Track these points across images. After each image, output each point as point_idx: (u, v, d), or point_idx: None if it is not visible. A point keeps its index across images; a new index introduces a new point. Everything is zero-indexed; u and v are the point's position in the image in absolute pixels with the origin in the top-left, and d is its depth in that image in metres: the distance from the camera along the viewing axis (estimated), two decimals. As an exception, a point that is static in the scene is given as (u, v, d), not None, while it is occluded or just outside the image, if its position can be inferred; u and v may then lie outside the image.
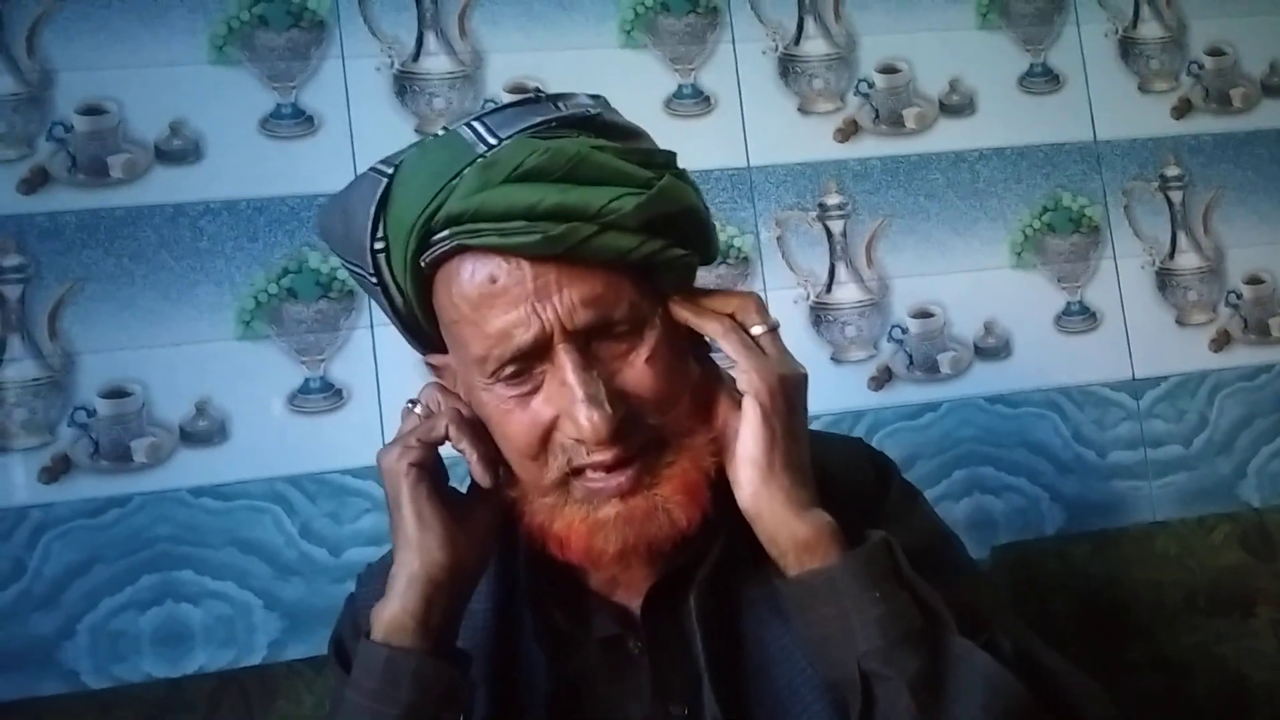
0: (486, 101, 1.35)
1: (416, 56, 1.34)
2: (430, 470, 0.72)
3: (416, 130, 1.32)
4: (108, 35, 1.26)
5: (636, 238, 0.67)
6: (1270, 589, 1.28)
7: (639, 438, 0.68)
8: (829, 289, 1.40)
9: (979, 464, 1.38)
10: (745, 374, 0.70)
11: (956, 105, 1.46)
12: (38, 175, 1.23)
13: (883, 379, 1.39)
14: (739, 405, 0.71)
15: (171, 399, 1.23)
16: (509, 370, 0.67)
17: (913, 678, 0.65)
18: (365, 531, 1.24)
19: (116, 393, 1.22)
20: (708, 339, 0.73)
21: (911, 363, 1.40)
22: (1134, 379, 1.45)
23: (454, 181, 0.66)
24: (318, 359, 1.27)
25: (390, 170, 0.69)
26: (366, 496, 1.25)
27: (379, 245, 0.69)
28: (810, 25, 1.44)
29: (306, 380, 1.26)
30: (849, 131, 1.43)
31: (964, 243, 1.43)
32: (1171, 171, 1.50)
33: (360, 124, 1.31)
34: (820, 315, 1.39)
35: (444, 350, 0.74)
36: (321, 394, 1.26)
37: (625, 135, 0.72)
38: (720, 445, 0.71)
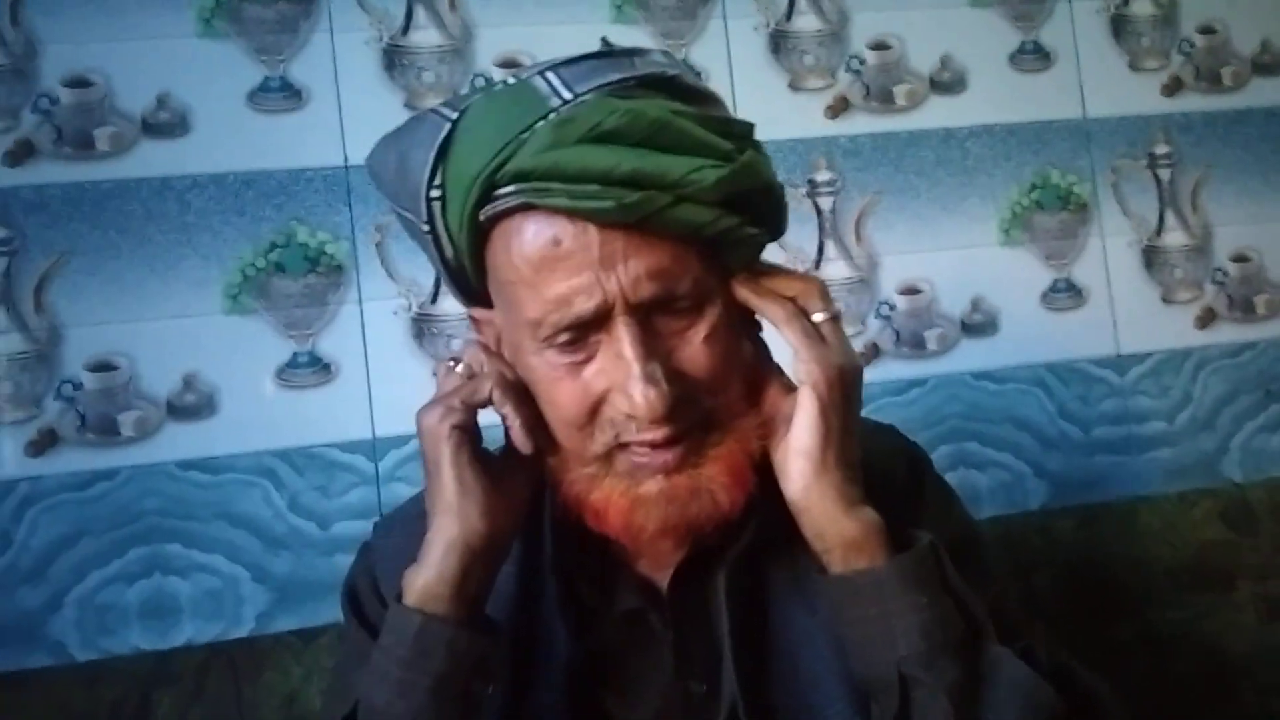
0: (476, 76, 1.34)
1: (406, 30, 1.33)
2: (470, 434, 0.70)
3: (406, 105, 1.31)
4: (93, 7, 1.25)
5: (712, 212, 0.64)
6: (1251, 564, 1.30)
7: (690, 417, 0.66)
8: (818, 265, 1.40)
9: (965, 439, 1.39)
10: (805, 363, 0.68)
11: (947, 82, 1.46)
12: (23, 148, 1.22)
13: (870, 355, 1.39)
14: (788, 389, 0.70)
15: (159, 373, 1.22)
16: (564, 337, 0.65)
17: (951, 685, 0.65)
18: (353, 505, 1.24)
19: (103, 366, 1.21)
20: (765, 320, 0.72)
21: (899, 339, 1.40)
22: (1119, 355, 1.45)
23: (524, 135, 0.63)
24: (306, 333, 1.26)
25: (454, 115, 0.66)
26: (355, 471, 1.25)
27: (435, 193, 0.67)
28: (802, 1, 1.43)
29: (295, 355, 1.26)
30: (839, 108, 1.43)
31: (953, 220, 1.43)
32: (1161, 149, 1.50)
33: (349, 98, 1.30)
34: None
35: (487, 304, 0.72)
36: (310, 369, 1.26)
37: (703, 100, 0.69)
38: (767, 429, 0.70)
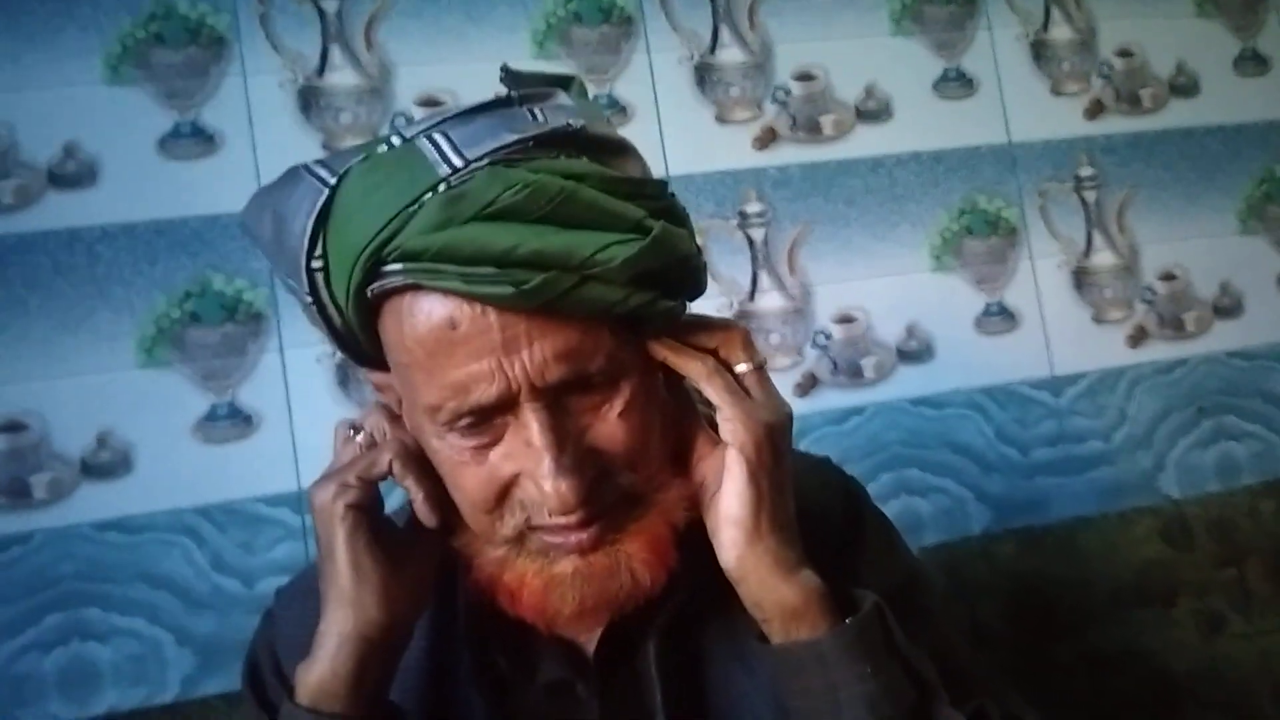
0: (397, 115, 1.40)
1: (321, 71, 1.39)
2: (369, 511, 0.69)
3: (324, 146, 1.37)
4: (-5, 56, 1.30)
5: (622, 290, 0.63)
6: (1190, 580, 1.39)
7: (607, 497, 0.66)
8: (752, 297, 1.48)
9: (905, 466, 1.47)
10: (729, 423, 0.67)
11: (873, 111, 1.56)
12: (-77, 202, 1.26)
13: (808, 385, 1.47)
14: (718, 443, 0.69)
15: (71, 431, 1.26)
16: (465, 422, 0.64)
17: None
18: (279, 561, 1.28)
19: (13, 426, 1.24)
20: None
21: (836, 368, 1.49)
22: (1054, 377, 1.55)
23: (411, 209, 0.60)
24: (225, 384, 1.31)
25: (332, 180, 0.63)
26: (280, 525, 1.29)
27: (317, 264, 0.64)
28: (725, 34, 1.53)
29: (214, 407, 1.30)
30: (767, 139, 1.52)
31: (884, 247, 1.52)
32: (1085, 171, 1.61)
33: (264, 142, 1.36)
34: (744, 324, 1.46)
35: (386, 367, 0.69)
36: (230, 421, 1.30)
37: (612, 152, 0.67)
38: (696, 497, 0.69)
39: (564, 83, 0.71)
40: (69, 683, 1.21)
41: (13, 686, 1.20)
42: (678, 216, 0.67)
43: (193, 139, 1.34)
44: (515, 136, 0.63)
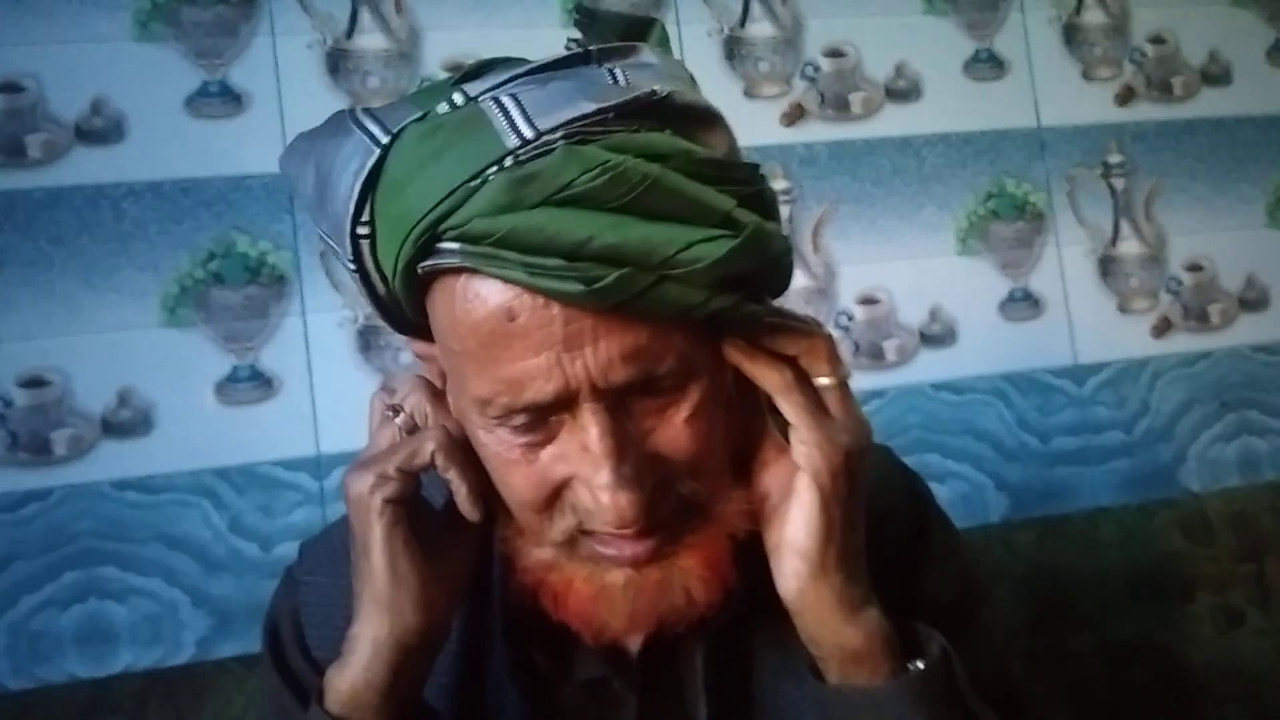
0: (423, 80, 1.38)
1: (350, 34, 1.38)
2: (408, 504, 0.64)
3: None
4: (25, 9, 1.28)
5: (704, 293, 0.56)
6: (1209, 574, 1.38)
7: (666, 507, 0.60)
8: (775, 275, 1.46)
9: (925, 451, 1.46)
10: (804, 445, 0.61)
11: (902, 90, 1.54)
12: (-52, 155, 1.25)
13: (829, 366, 1.46)
14: (784, 449, 0.63)
15: (93, 389, 1.25)
16: (517, 420, 0.59)
17: None
18: (297, 525, 1.28)
19: (35, 382, 1.24)
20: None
21: (858, 350, 1.48)
22: (1077, 365, 1.54)
23: (474, 184, 0.54)
24: (246, 347, 1.30)
25: (385, 140, 0.57)
26: (298, 489, 1.29)
27: (363, 230, 0.58)
28: (756, 7, 1.51)
29: (235, 369, 1.29)
30: (795, 115, 1.50)
31: (909, 229, 1.51)
32: (1114, 158, 1.59)
33: (291, 103, 1.34)
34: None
35: (429, 335, 0.63)
36: (251, 383, 1.29)
37: (699, 124, 0.59)
38: (758, 511, 0.64)
39: (643, 28, 0.65)
40: (85, 640, 1.21)
41: (30, 642, 1.20)
42: (768, 205, 0.60)
43: (220, 98, 1.33)
44: (594, 106, 0.55)
